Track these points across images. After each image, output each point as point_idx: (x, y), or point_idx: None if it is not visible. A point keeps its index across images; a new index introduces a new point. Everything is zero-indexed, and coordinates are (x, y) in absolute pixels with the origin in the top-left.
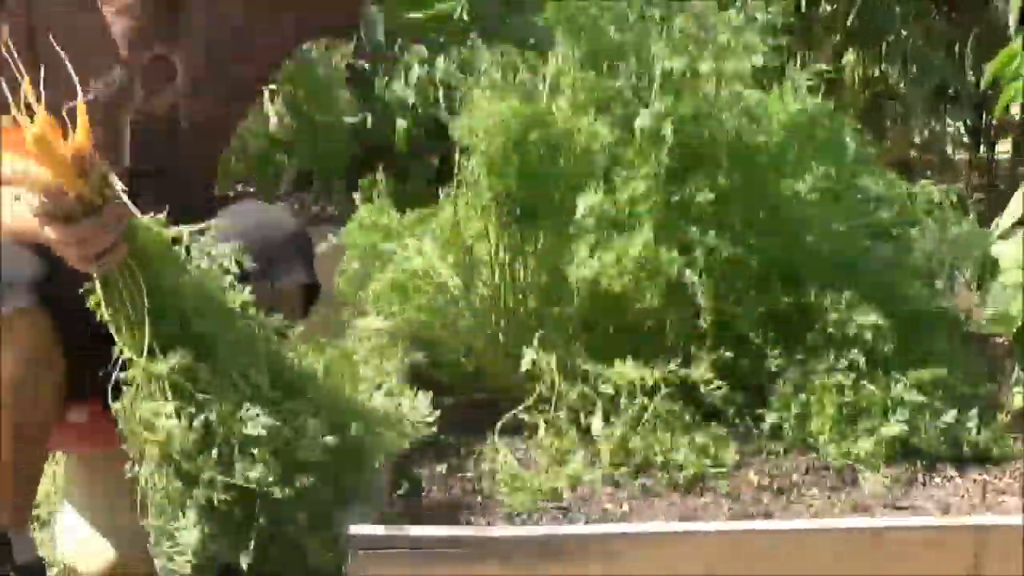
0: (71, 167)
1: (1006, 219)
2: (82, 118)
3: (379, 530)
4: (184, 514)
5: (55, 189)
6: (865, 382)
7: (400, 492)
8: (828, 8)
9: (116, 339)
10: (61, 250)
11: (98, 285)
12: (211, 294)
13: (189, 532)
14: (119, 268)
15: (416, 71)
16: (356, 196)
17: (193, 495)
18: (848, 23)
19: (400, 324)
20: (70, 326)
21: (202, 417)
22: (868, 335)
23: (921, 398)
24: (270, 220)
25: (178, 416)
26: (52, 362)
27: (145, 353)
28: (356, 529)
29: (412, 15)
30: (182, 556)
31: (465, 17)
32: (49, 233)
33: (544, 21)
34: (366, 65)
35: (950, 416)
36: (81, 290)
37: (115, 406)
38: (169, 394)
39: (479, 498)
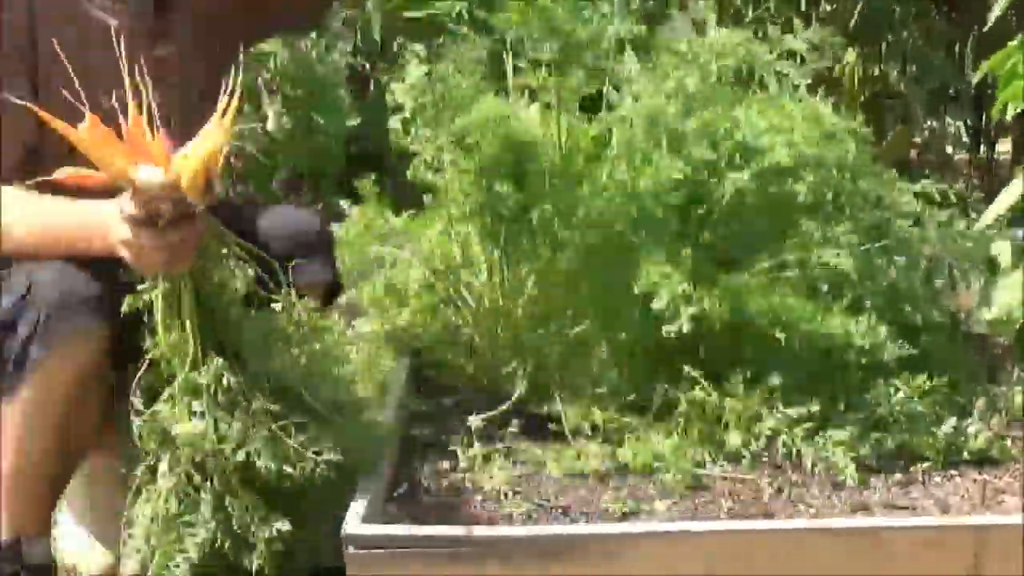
0: (197, 176)
1: (989, 215)
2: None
3: (379, 530)
4: (199, 514)
5: (170, 190)
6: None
7: (400, 492)
8: (828, 8)
9: (160, 345)
10: (139, 256)
11: (159, 292)
12: (245, 310)
13: (200, 531)
14: (183, 278)
15: (414, 72)
16: (344, 201)
17: (206, 497)
18: (849, 22)
19: (398, 327)
20: (120, 339)
21: (232, 423)
22: (867, 342)
23: (921, 408)
24: (296, 221)
25: (214, 422)
26: (103, 378)
27: (188, 364)
28: (356, 529)
29: (411, 15)
30: (187, 559)
31: (465, 16)
32: (138, 237)
33: (512, 21)
34: (365, 65)
35: (949, 425)
36: (136, 293)
37: (138, 417)
38: (205, 401)
39: (479, 498)
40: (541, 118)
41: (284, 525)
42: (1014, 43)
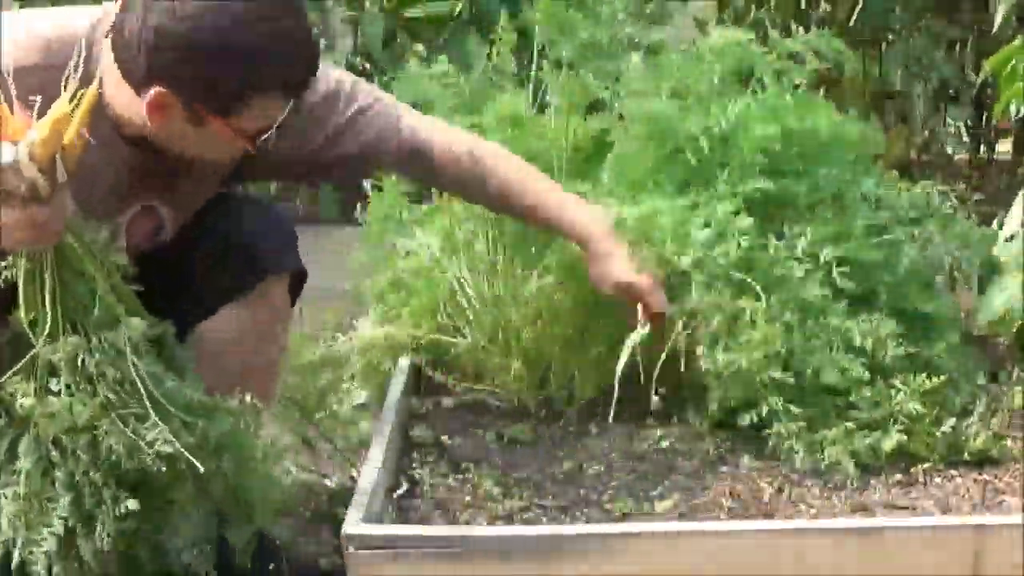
0: (45, 152)
1: (1008, 228)
2: (81, 116)
3: (379, 530)
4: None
5: (21, 168)
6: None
7: (400, 492)
8: (828, 8)
9: (21, 320)
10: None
11: (21, 267)
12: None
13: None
14: (43, 256)
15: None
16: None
17: (60, 475)
18: (848, 23)
19: (400, 326)
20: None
21: (80, 407)
22: (869, 342)
23: (921, 408)
24: (256, 211)
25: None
26: None
27: (43, 338)
28: (356, 529)
29: (411, 13)
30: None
31: (465, 16)
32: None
33: (538, 21)
34: (365, 64)
35: (948, 425)
36: None
37: None
38: (59, 379)
39: (479, 498)
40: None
41: (132, 504)
42: (1016, 43)
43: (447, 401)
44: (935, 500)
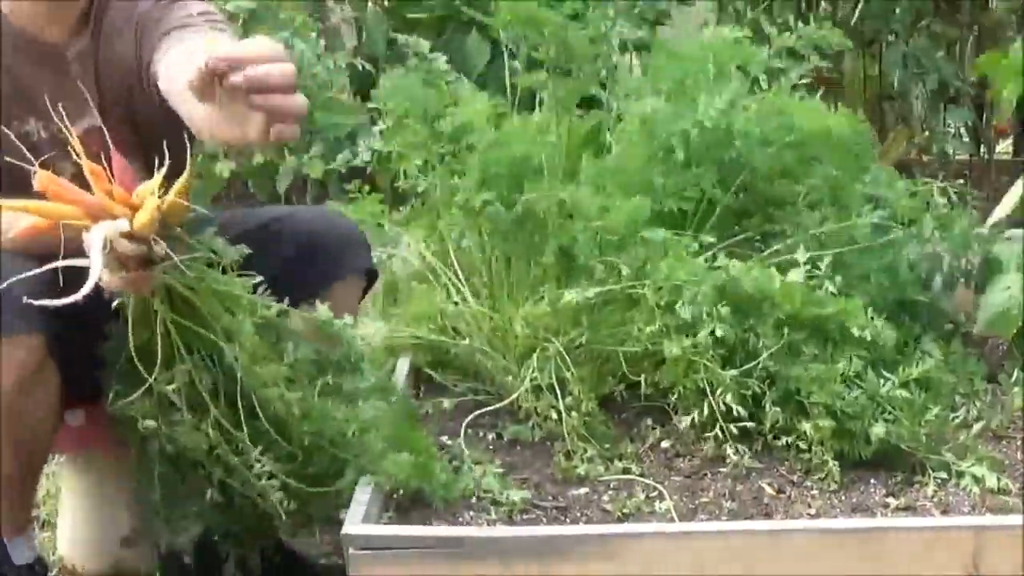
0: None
1: (999, 211)
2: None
3: (379, 530)
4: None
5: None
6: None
7: (400, 492)
8: (828, 8)
9: (132, 350)
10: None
11: (129, 302)
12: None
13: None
14: (152, 295)
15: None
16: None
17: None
18: (849, 23)
19: (398, 327)
20: (68, 332)
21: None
22: (867, 334)
23: (906, 394)
24: (323, 216)
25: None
26: (48, 379)
27: (159, 367)
28: (356, 529)
29: (412, 15)
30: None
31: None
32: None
33: (497, 23)
34: (365, 64)
35: (933, 414)
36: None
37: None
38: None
39: (479, 498)
40: (540, 119)
41: None
42: (1015, 45)
43: (447, 402)
44: (935, 500)
